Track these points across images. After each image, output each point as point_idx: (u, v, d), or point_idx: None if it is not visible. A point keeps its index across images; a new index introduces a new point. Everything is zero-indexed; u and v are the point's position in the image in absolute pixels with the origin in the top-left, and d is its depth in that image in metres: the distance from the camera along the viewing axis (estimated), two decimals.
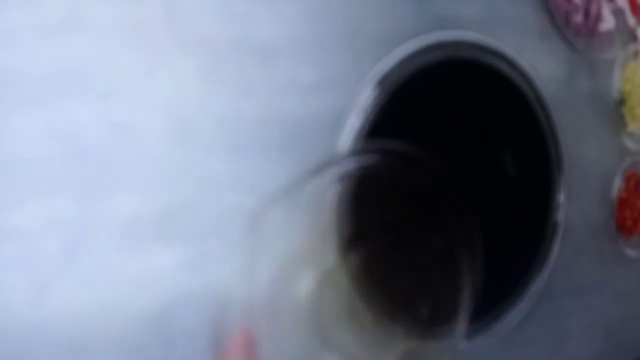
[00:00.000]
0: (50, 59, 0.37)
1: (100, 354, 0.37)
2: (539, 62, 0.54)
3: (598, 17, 0.54)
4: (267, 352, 0.30)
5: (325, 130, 0.44)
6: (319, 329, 0.33)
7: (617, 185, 0.61)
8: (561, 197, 0.54)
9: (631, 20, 0.60)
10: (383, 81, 0.44)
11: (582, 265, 0.58)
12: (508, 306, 0.49)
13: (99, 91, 0.38)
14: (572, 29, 0.53)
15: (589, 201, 0.59)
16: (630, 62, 0.59)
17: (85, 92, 0.38)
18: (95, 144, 0.38)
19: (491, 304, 0.49)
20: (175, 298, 0.39)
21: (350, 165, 0.36)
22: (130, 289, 0.38)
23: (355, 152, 0.42)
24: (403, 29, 0.46)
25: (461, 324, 0.32)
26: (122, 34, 0.39)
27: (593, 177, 0.60)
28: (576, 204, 0.57)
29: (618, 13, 0.57)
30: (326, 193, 0.36)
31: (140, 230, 0.38)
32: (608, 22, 0.55)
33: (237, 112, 0.42)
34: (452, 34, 0.46)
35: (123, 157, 0.38)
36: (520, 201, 0.51)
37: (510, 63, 0.50)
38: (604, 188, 0.61)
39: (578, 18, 0.52)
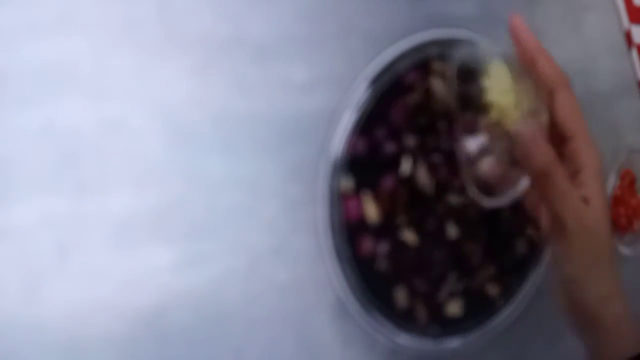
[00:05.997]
0: (43, 57, 0.37)
1: (93, 352, 0.37)
2: None
3: None
4: None
5: (319, 128, 0.44)
6: None
7: (611, 183, 0.61)
8: None
9: (625, 19, 0.61)
10: (377, 79, 0.44)
11: None
12: (504, 304, 0.50)
13: (92, 90, 0.38)
14: None
15: None
16: None
17: (79, 91, 0.38)
18: (89, 142, 0.38)
19: (487, 301, 0.49)
20: (169, 297, 0.39)
21: None
22: (123, 288, 0.38)
23: None
24: (396, 27, 0.46)
25: None
26: (115, 32, 0.39)
27: None
28: None
29: None
30: None
31: (133, 228, 0.38)
32: None
33: (230, 110, 0.42)
34: (445, 32, 0.46)
35: (116, 156, 0.38)
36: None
37: None
38: None
39: None
